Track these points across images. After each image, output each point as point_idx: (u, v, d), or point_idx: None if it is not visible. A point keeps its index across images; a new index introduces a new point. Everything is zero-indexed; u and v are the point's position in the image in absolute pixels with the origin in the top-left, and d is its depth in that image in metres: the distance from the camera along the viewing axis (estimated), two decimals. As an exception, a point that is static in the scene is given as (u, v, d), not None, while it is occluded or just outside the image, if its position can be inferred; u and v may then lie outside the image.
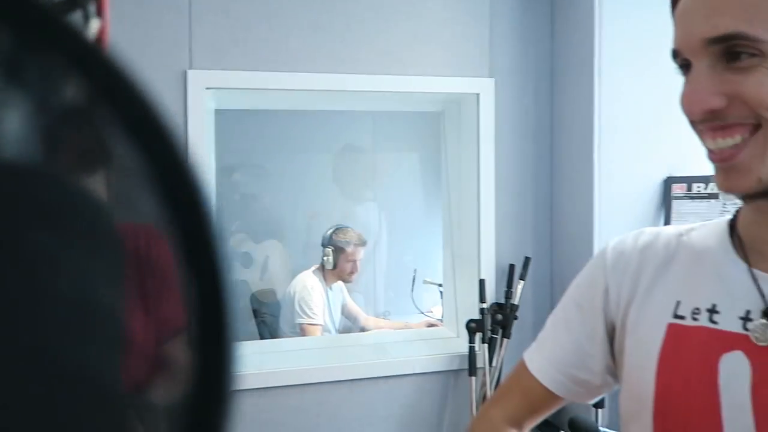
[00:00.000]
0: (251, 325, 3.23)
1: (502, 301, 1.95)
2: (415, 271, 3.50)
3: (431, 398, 1.98)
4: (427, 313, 3.36)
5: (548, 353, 0.78)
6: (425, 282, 3.41)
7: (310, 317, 2.72)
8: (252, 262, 3.56)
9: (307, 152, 3.61)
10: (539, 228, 2.04)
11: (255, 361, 1.96)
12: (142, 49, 1.71)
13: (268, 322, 3.20)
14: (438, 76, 1.92)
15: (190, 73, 1.73)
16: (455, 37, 1.94)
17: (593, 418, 1.69)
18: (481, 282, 1.96)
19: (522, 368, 0.82)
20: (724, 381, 0.59)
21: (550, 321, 0.81)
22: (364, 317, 3.12)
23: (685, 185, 1.78)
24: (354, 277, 3.05)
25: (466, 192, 2.07)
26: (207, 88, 1.75)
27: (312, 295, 2.75)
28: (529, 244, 2.03)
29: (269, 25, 1.79)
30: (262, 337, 3.06)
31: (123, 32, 1.70)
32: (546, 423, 1.98)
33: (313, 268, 2.93)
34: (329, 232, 2.94)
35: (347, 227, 3.04)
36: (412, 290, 3.44)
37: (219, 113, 2.03)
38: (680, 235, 0.70)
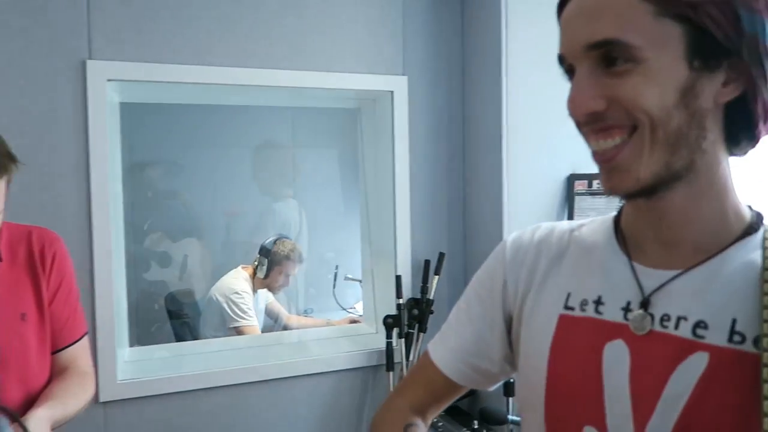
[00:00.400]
0: (167, 327, 3.10)
1: (418, 296, 1.99)
2: (336, 267, 3.50)
3: (351, 395, 1.98)
4: (349, 310, 3.37)
5: (450, 344, 0.81)
6: (347, 279, 3.41)
7: (246, 319, 2.66)
8: (170, 261, 3.42)
9: (224, 148, 3.52)
10: (453, 224, 2.09)
11: (172, 364, 1.88)
12: (36, 36, 1.59)
13: (188, 323, 3.08)
14: (353, 73, 1.92)
15: (90, 64, 1.63)
16: (370, 34, 1.95)
17: (504, 408, 1.75)
18: (398, 278, 1.99)
19: (425, 359, 0.84)
20: (607, 368, 0.63)
21: (453, 313, 0.84)
22: (287, 316, 3.08)
23: (586, 182, 1.88)
24: (282, 290, 3.00)
25: (382, 189, 2.09)
26: (108, 80, 1.66)
27: (243, 297, 2.69)
28: (443, 239, 2.08)
29: (175, 15, 1.72)
30: (179, 339, 2.95)
31: (15, 18, 1.57)
32: (458, 412, 2.05)
33: (240, 269, 2.85)
34: (270, 240, 2.87)
35: (289, 239, 2.98)
36: (334, 287, 3.44)
37: (126, 107, 1.92)
38: (572, 230, 0.74)
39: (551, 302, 0.70)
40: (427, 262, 2.02)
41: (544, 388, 0.68)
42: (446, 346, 0.81)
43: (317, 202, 3.66)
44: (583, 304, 0.67)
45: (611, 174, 0.59)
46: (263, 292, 2.92)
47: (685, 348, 0.58)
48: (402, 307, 1.97)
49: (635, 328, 0.61)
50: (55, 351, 1.16)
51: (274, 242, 2.85)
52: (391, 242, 2.04)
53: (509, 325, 0.77)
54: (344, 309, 3.35)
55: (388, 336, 1.97)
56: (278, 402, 1.89)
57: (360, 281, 2.61)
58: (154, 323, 3.30)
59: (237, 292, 2.69)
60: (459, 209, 2.10)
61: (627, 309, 0.63)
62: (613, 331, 0.63)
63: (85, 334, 1.23)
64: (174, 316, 3.10)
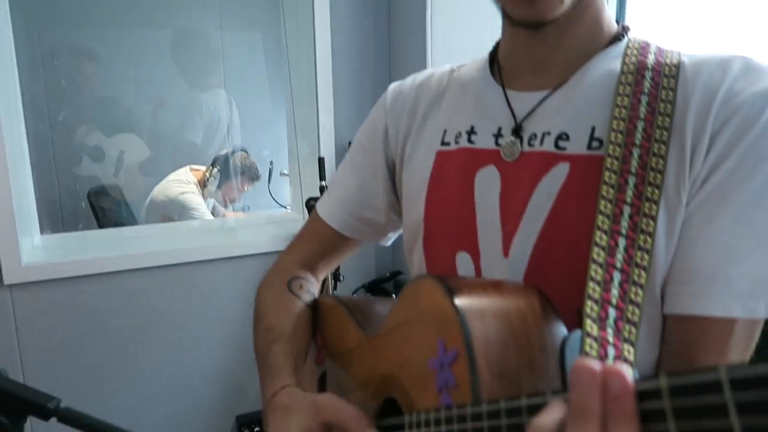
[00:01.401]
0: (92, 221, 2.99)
1: (343, 178, 1.96)
2: (271, 164, 3.41)
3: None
4: (287, 207, 3.34)
5: (336, 196, 0.79)
6: (282, 174, 3.34)
7: (203, 215, 2.59)
8: (104, 156, 3.25)
9: (143, 33, 3.26)
10: (378, 105, 2.04)
11: (88, 249, 1.82)
12: None
13: (115, 217, 2.98)
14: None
15: None
16: None
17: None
18: (321, 160, 1.94)
19: (314, 215, 0.82)
20: (479, 193, 0.62)
21: (340, 167, 0.81)
22: (223, 213, 3.03)
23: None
24: (232, 204, 2.91)
25: (305, 69, 1.99)
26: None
27: (191, 197, 2.60)
28: (368, 121, 2.03)
29: None
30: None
31: None
32: (384, 293, 2.09)
33: (187, 170, 2.72)
34: (225, 152, 2.74)
35: (246, 153, 2.85)
36: (269, 183, 3.37)
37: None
38: (452, 71, 0.73)
39: (429, 141, 0.69)
40: (350, 144, 1.97)
41: (422, 224, 0.67)
42: (332, 199, 0.79)
43: (247, 93, 3.50)
44: (457, 136, 0.66)
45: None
46: (211, 201, 2.84)
47: (548, 161, 0.57)
48: (325, 190, 1.94)
49: (505, 154, 0.61)
50: None
51: (231, 155, 2.73)
52: (313, 124, 1.98)
53: (392, 173, 0.75)
54: (281, 206, 3.32)
55: (312, 218, 1.95)
56: (199, 284, 1.88)
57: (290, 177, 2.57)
58: (81, 221, 3.18)
59: (183, 192, 2.60)
60: (384, 88, 2.04)
61: (498, 135, 0.62)
62: (485, 157, 0.63)
63: None
64: (100, 213, 2.98)
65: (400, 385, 0.52)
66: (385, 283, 2.11)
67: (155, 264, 1.80)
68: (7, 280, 1.60)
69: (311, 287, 0.78)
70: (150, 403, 1.85)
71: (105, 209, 2.98)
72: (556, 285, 0.51)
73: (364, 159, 0.77)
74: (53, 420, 0.82)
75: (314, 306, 0.76)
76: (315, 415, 0.51)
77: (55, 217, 3.14)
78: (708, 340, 0.49)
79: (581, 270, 0.52)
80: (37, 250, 1.78)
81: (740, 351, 0.49)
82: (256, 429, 1.97)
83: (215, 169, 2.75)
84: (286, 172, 3.25)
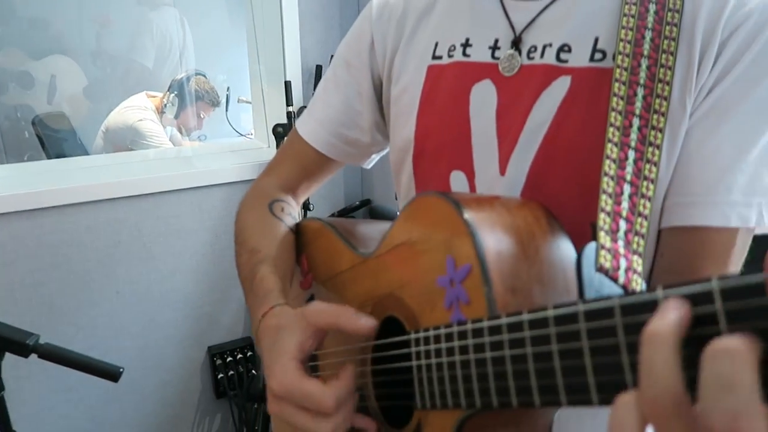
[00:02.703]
0: (42, 156, 2.82)
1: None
2: (228, 89, 3.26)
3: (242, 206, 1.95)
4: (248, 136, 3.23)
5: (318, 115, 0.75)
6: (240, 101, 3.20)
7: (162, 143, 2.46)
8: (33, 82, 3.02)
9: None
10: (346, 25, 1.94)
11: (44, 180, 1.72)
12: None
13: (64, 147, 2.81)
14: None
15: None
16: None
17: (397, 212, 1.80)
18: (287, 84, 1.86)
19: (294, 135, 0.78)
20: (474, 109, 0.59)
21: (321, 83, 0.77)
22: (181, 142, 2.90)
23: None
24: (192, 132, 2.76)
25: (267, -15, 1.86)
26: None
27: (149, 124, 2.46)
28: (336, 43, 1.93)
29: None
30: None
31: None
32: (349, 218, 2.09)
33: (143, 96, 2.55)
34: (181, 77, 2.56)
35: (204, 77, 2.67)
36: (227, 110, 3.24)
37: None
38: None
39: (420, 55, 0.65)
40: (318, 68, 1.89)
41: (413, 143, 0.65)
42: (313, 119, 0.75)
43: (202, 15, 3.28)
44: (451, 50, 0.62)
45: None
46: (170, 129, 2.70)
47: (549, 74, 0.55)
48: (293, 115, 1.88)
49: (504, 68, 0.58)
50: None
51: (187, 79, 2.56)
52: (278, 48, 1.88)
53: (378, 90, 0.71)
54: (240, 134, 3.20)
55: (279, 146, 1.89)
56: (164, 215, 1.82)
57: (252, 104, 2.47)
58: (27, 152, 3.00)
59: (141, 119, 2.46)
60: (353, 8, 1.94)
61: (495, 47, 0.59)
62: (481, 71, 0.59)
63: None
64: (47, 143, 2.81)
65: (402, 304, 0.51)
66: (355, 212, 2.10)
67: (116, 195, 1.72)
68: (-45, 215, 1.51)
69: (292, 210, 0.76)
70: (120, 338, 1.83)
71: (52, 138, 2.81)
72: (554, 201, 0.50)
73: (348, 75, 0.72)
74: (33, 357, 0.79)
75: (296, 229, 0.73)
76: (306, 326, 0.50)
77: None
78: (709, 251, 0.49)
79: (581, 185, 0.52)
80: (-14, 182, 1.67)
81: (737, 261, 0.50)
82: (228, 359, 1.99)
83: (172, 95, 2.61)
84: (244, 98, 3.11)
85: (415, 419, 0.48)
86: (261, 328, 0.56)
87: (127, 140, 2.52)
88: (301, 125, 0.77)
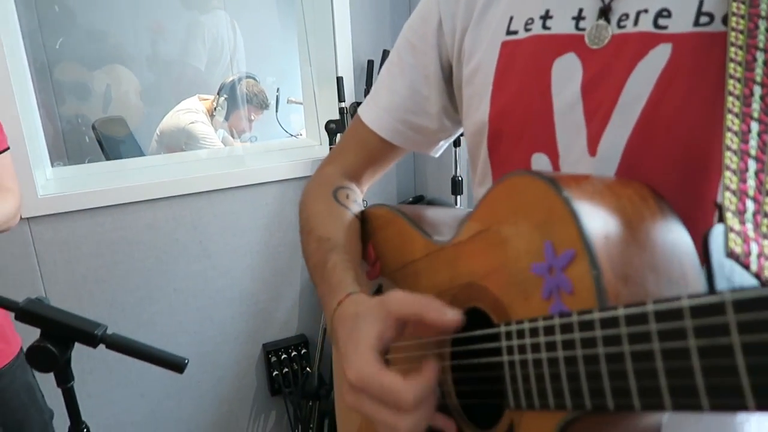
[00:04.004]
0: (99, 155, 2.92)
1: (362, 99, 1.87)
2: (278, 91, 3.28)
3: (295, 203, 1.93)
4: (297, 136, 3.24)
5: (383, 101, 0.71)
6: (290, 102, 3.22)
7: (214, 144, 2.52)
8: (90, 93, 3.12)
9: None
10: (397, 19, 1.91)
11: (104, 179, 1.77)
12: None
13: (122, 150, 2.90)
14: None
15: None
16: None
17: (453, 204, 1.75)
18: (339, 80, 1.84)
19: (357, 122, 0.74)
20: (556, 85, 0.54)
21: (385, 68, 0.73)
22: (231, 143, 2.95)
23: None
24: (243, 134, 2.81)
25: (318, -19, 1.85)
26: None
27: (201, 127, 2.51)
28: (387, 36, 1.91)
29: None
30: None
31: None
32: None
33: (196, 99, 2.61)
34: (231, 79, 2.60)
35: (255, 79, 2.71)
36: (277, 111, 3.26)
37: None
38: None
39: (492, 32, 0.60)
40: (370, 63, 1.87)
41: (488, 125, 0.60)
42: (378, 105, 0.72)
43: (253, 17, 3.32)
44: (528, 23, 0.57)
45: None
46: (222, 132, 2.75)
47: (646, 43, 0.49)
48: (345, 111, 1.86)
49: (591, 41, 0.52)
50: None
51: (238, 81, 2.60)
52: (330, 43, 1.86)
53: (447, 73, 0.67)
54: (290, 135, 3.22)
55: (332, 142, 1.88)
56: (219, 213, 1.83)
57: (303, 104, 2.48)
58: (87, 155, 3.11)
59: (192, 122, 2.51)
60: (405, 1, 1.90)
61: (579, 17, 0.54)
62: (563, 44, 0.54)
63: (4, 150, 1.24)
64: (106, 146, 2.90)
65: (487, 294, 0.47)
66: (426, 205, 2.07)
67: (173, 194, 1.75)
68: (24, 214, 1.56)
69: (357, 197, 0.73)
70: (176, 334, 1.85)
71: (111, 141, 2.90)
72: (653, 181, 0.45)
73: (413, 58, 0.69)
74: (101, 347, 0.79)
75: (362, 217, 0.70)
76: (386, 315, 0.47)
77: (60, 151, 3.07)
78: None
79: (686, 164, 0.46)
80: (50, 182, 1.72)
81: None
82: (283, 357, 1.99)
83: (222, 98, 2.65)
84: (294, 99, 3.13)
85: (506, 420, 0.44)
86: (336, 316, 0.53)
87: (180, 143, 2.57)
88: (365, 112, 0.73)
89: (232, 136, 2.85)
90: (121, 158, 2.85)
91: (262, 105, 2.80)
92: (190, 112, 2.59)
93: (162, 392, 1.87)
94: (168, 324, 1.84)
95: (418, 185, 2.10)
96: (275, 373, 1.98)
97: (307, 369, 2.01)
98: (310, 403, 1.93)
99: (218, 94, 2.68)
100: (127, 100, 3.14)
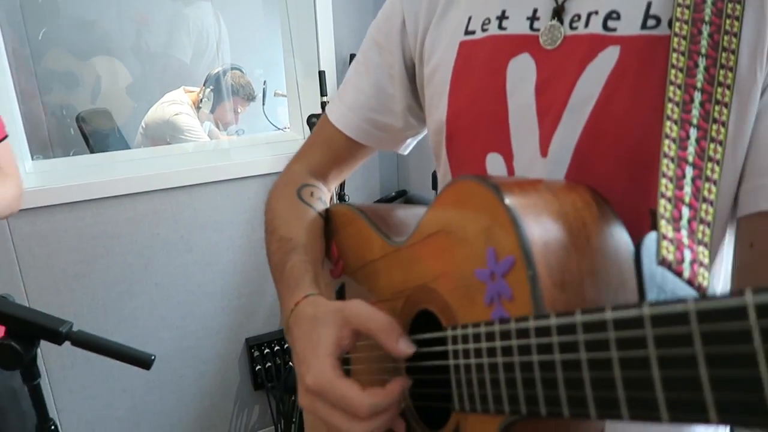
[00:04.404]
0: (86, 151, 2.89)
1: (345, 94, 1.86)
2: (264, 83, 3.26)
3: (277, 198, 1.94)
4: (284, 129, 3.22)
5: (348, 100, 0.71)
6: (276, 95, 3.20)
7: (199, 137, 2.50)
8: (78, 82, 3.09)
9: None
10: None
11: (84, 173, 1.75)
12: None
13: (107, 143, 2.87)
14: None
15: None
16: None
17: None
18: (321, 74, 1.84)
19: (324, 120, 0.74)
20: (511, 86, 0.55)
21: (352, 67, 0.73)
22: (219, 137, 2.93)
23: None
24: (229, 127, 2.79)
25: (300, -27, 1.84)
26: None
27: (185, 119, 2.49)
28: (370, 31, 1.90)
29: None
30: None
31: None
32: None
33: (181, 91, 2.59)
34: (217, 71, 2.58)
35: (241, 71, 2.68)
36: (264, 104, 3.24)
37: None
38: None
39: (451, 32, 0.60)
40: (353, 57, 1.86)
41: (445, 124, 0.60)
42: (344, 103, 0.72)
43: (237, 10, 3.29)
44: (485, 23, 0.57)
45: None
46: (208, 124, 2.73)
47: (595, 45, 0.49)
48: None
49: (545, 41, 0.53)
50: None
51: (222, 73, 2.58)
52: (312, 37, 1.85)
53: (411, 72, 0.67)
54: (277, 128, 3.20)
55: (313, 137, 1.87)
56: (201, 207, 1.83)
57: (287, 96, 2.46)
58: (72, 148, 3.08)
59: (177, 113, 2.49)
60: (386, -4, 1.89)
61: (534, 18, 0.54)
62: (518, 44, 0.54)
63: (3, 138, 1.20)
64: (91, 139, 2.87)
65: (437, 297, 0.47)
66: (391, 203, 2.07)
67: (155, 188, 1.74)
68: (1, 208, 1.54)
69: (322, 195, 0.73)
70: (158, 329, 1.85)
71: (96, 134, 2.87)
72: (602, 184, 0.45)
73: (378, 58, 0.69)
74: (66, 344, 0.79)
75: (326, 215, 0.70)
76: (343, 324, 0.47)
77: (44, 144, 3.04)
78: None
79: (633, 166, 0.47)
80: (30, 176, 1.71)
81: None
82: (266, 351, 1.99)
83: (208, 90, 2.63)
84: (281, 92, 3.10)
85: (452, 421, 0.45)
86: (294, 316, 0.53)
87: (165, 135, 2.55)
88: (331, 111, 0.74)
89: (218, 128, 2.83)
90: (107, 151, 2.83)
91: (249, 96, 2.78)
92: (175, 104, 2.57)
93: (144, 387, 1.87)
94: (149, 319, 1.84)
95: (401, 180, 2.10)
96: (258, 367, 1.99)
97: (290, 363, 2.01)
98: (293, 398, 1.94)
99: (204, 85, 2.66)
100: (115, 93, 3.11)
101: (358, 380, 0.45)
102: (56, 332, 0.80)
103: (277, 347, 2.00)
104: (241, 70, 2.80)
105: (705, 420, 0.24)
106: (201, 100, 2.63)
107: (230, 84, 2.67)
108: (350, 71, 0.73)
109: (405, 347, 0.45)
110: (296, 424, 1.92)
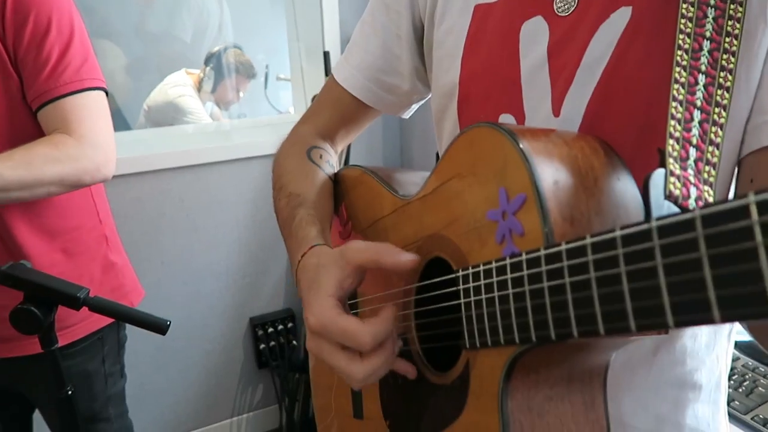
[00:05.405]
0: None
1: (348, 74, 1.87)
2: (267, 67, 3.26)
3: (281, 178, 1.95)
4: (285, 113, 3.23)
5: (355, 60, 0.72)
6: (279, 79, 3.20)
7: (202, 119, 2.51)
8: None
9: None
10: (384, -8, 1.91)
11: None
12: None
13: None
14: None
15: None
16: None
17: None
18: (326, 54, 1.84)
19: (331, 81, 0.75)
20: (524, 47, 0.56)
21: (358, 28, 0.74)
22: (219, 118, 2.94)
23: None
24: (231, 106, 2.78)
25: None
26: None
27: (189, 101, 2.50)
28: (374, 11, 1.90)
29: None
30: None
31: None
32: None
33: (183, 73, 2.59)
34: (217, 49, 2.57)
35: (241, 49, 2.67)
36: (266, 88, 3.24)
37: None
38: None
39: None
40: (356, 38, 1.87)
41: (458, 87, 0.61)
42: (351, 64, 0.72)
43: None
44: None
45: None
46: (210, 105, 2.73)
47: (607, 6, 0.51)
48: (331, 86, 1.86)
49: (559, 9, 0.54)
50: (37, 109, 0.95)
51: (223, 51, 2.58)
52: (317, 19, 1.86)
53: (419, 34, 0.68)
54: (279, 112, 3.21)
55: (318, 117, 1.88)
56: (206, 187, 1.84)
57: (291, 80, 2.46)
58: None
59: (181, 95, 2.49)
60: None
61: None
62: (531, 7, 0.56)
63: (88, 89, 0.97)
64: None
65: (449, 243, 0.48)
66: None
67: (160, 167, 1.75)
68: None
69: (331, 158, 0.74)
70: (165, 308, 1.87)
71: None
72: (614, 139, 0.46)
73: (386, 18, 0.69)
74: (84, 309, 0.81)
75: (336, 178, 0.72)
76: (344, 264, 0.49)
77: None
78: None
79: (643, 124, 0.48)
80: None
81: None
82: (270, 330, 2.01)
83: (209, 68, 2.62)
84: (283, 76, 3.11)
85: (462, 360, 0.46)
86: (300, 267, 0.54)
87: (168, 117, 2.56)
88: (338, 71, 0.74)
89: (220, 107, 2.83)
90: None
91: (249, 74, 2.77)
92: (178, 86, 2.57)
93: (150, 365, 1.90)
94: (155, 297, 1.85)
95: (405, 156, 2.11)
96: (262, 346, 2.01)
97: (294, 342, 2.04)
98: (297, 376, 1.96)
99: (204, 64, 2.66)
100: (116, 74, 3.11)
101: None
102: (74, 297, 0.81)
103: (281, 326, 2.03)
104: (240, 48, 2.79)
105: (708, 319, 0.26)
106: (202, 80, 2.63)
107: (231, 62, 2.67)
108: (356, 32, 0.74)
109: (408, 258, 0.47)
110: (300, 402, 1.95)
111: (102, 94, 1.02)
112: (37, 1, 0.93)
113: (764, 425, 0.96)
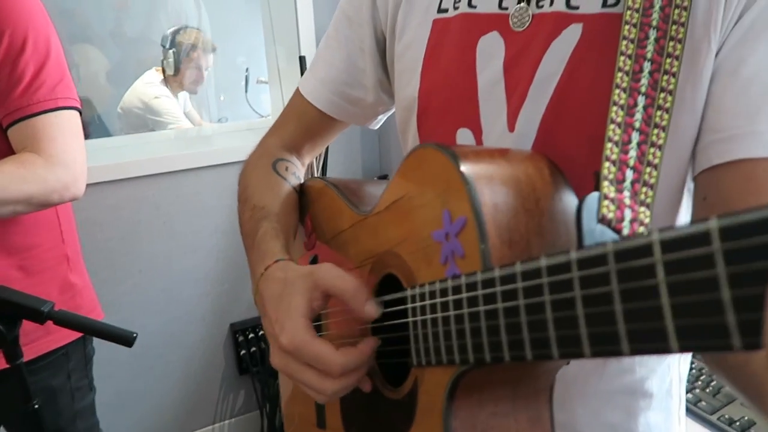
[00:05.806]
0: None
1: (325, 79, 1.87)
2: (247, 71, 3.25)
3: (259, 184, 1.95)
4: (267, 117, 3.22)
5: (320, 74, 0.73)
6: (259, 82, 3.19)
7: (178, 120, 2.48)
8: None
9: None
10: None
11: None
12: None
13: (90, 131, 2.85)
14: None
15: None
16: None
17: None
18: (301, 59, 1.84)
19: (297, 94, 0.76)
20: (480, 63, 0.57)
21: (323, 41, 0.74)
22: (200, 123, 2.92)
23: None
24: (199, 87, 2.76)
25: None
26: None
27: (164, 99, 2.48)
28: (350, 16, 1.91)
29: None
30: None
31: None
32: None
33: (153, 71, 2.57)
34: (170, 31, 2.55)
35: (192, 27, 2.65)
36: (246, 92, 3.23)
37: None
38: None
39: (424, 9, 0.62)
40: (332, 43, 1.87)
41: (417, 101, 0.62)
42: (315, 77, 0.73)
43: (218, -3, 3.27)
44: (457, 1, 0.59)
45: None
46: (183, 96, 2.71)
47: (559, 22, 0.51)
48: (307, 92, 1.86)
49: (515, 23, 0.55)
50: (8, 126, 0.93)
51: (176, 32, 2.56)
52: (293, 23, 1.86)
53: (382, 46, 0.69)
54: (261, 116, 3.20)
55: (295, 122, 1.88)
56: (183, 193, 1.84)
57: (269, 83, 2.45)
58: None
59: (156, 96, 2.48)
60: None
61: None
62: (488, 23, 0.56)
63: (62, 108, 0.95)
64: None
65: (400, 261, 0.49)
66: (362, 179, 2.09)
67: (137, 174, 1.74)
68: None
69: (297, 170, 0.74)
70: (143, 315, 1.86)
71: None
72: (566, 155, 0.47)
73: (350, 32, 0.70)
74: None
75: (300, 190, 0.72)
76: (314, 287, 0.49)
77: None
78: (756, 186, 0.44)
79: (594, 136, 0.49)
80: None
81: None
82: (250, 336, 2.01)
83: (170, 50, 2.59)
84: (263, 79, 3.09)
85: (411, 377, 0.47)
86: (264, 280, 0.55)
87: (144, 118, 2.54)
88: (304, 84, 0.75)
89: (189, 90, 2.78)
90: (88, 139, 2.81)
91: (208, 48, 2.74)
92: (153, 86, 2.56)
93: (129, 373, 1.89)
94: (133, 304, 1.85)
95: (383, 164, 2.12)
96: (243, 352, 2.01)
97: (275, 347, 2.04)
98: (278, 382, 1.96)
99: (162, 46, 2.62)
100: (95, 81, 3.08)
101: (328, 341, 0.48)
102: (38, 312, 0.81)
103: (261, 332, 2.02)
104: (190, 26, 2.75)
105: (665, 348, 0.26)
106: (163, 62, 2.60)
107: (186, 40, 2.64)
108: (321, 45, 0.74)
109: (372, 309, 0.48)
110: (281, 408, 1.95)
111: (76, 114, 1.00)
112: (14, 19, 0.92)
113: (730, 425, 0.98)
